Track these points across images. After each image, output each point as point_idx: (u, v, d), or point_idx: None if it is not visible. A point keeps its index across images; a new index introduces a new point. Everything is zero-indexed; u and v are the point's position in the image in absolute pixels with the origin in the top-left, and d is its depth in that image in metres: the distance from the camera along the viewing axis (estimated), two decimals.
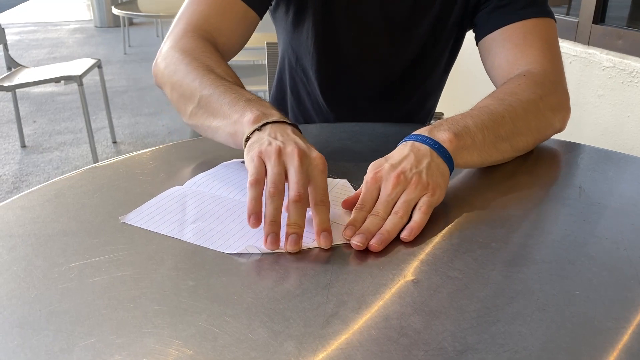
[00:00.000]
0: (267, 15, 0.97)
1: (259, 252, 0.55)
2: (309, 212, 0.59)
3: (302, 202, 0.56)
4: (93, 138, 2.80)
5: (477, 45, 0.91)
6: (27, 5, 9.59)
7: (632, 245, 0.57)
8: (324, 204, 0.58)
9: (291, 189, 0.57)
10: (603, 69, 1.81)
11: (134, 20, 7.26)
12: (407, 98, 1.03)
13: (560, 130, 0.82)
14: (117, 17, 6.48)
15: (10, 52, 2.95)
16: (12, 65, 2.93)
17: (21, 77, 2.75)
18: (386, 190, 0.61)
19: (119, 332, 0.44)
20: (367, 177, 0.63)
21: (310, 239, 0.57)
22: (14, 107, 3.01)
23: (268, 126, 0.63)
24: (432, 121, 1.15)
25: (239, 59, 1.40)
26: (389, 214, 0.59)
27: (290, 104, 1.07)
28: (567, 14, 2.22)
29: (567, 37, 2.00)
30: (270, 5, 0.94)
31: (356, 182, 0.70)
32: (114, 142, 3.17)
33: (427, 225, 0.60)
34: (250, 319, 0.46)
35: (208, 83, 0.71)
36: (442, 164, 0.64)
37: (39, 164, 2.88)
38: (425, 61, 0.99)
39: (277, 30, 1.03)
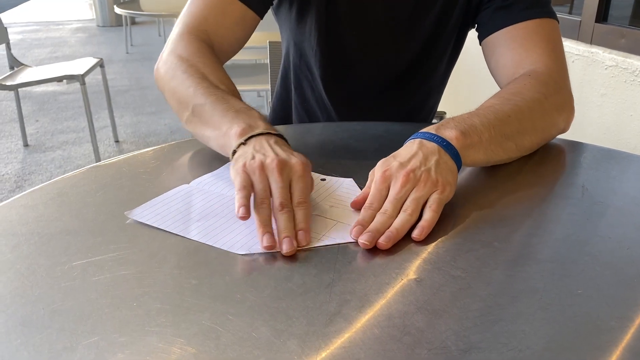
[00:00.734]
0: (270, 14, 0.98)
1: (262, 252, 0.55)
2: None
3: (285, 210, 0.58)
4: (95, 137, 2.80)
5: (480, 44, 0.91)
6: (30, 5, 9.61)
7: (635, 244, 0.57)
8: (301, 205, 0.59)
9: (274, 200, 0.59)
10: (606, 68, 1.81)
11: (136, 20, 7.27)
12: (410, 95, 1.03)
13: (564, 130, 0.82)
14: (119, 16, 6.49)
15: (12, 51, 2.95)
16: (15, 64, 2.93)
17: (24, 77, 2.76)
18: (395, 188, 0.61)
19: (122, 331, 0.44)
20: (376, 175, 0.63)
21: (315, 239, 0.57)
22: (17, 106, 3.02)
23: (253, 139, 0.65)
24: (434, 120, 1.15)
25: (240, 58, 1.40)
26: (398, 212, 0.59)
27: (294, 102, 1.08)
28: (570, 13, 2.22)
29: (569, 36, 2.00)
30: (272, 4, 0.94)
31: (360, 180, 0.70)
32: (117, 141, 3.17)
33: None
34: (253, 317, 0.46)
35: (200, 92, 0.73)
36: (451, 161, 0.64)
37: (41, 163, 2.88)
38: (428, 59, 0.99)
39: (281, 27, 1.04)
